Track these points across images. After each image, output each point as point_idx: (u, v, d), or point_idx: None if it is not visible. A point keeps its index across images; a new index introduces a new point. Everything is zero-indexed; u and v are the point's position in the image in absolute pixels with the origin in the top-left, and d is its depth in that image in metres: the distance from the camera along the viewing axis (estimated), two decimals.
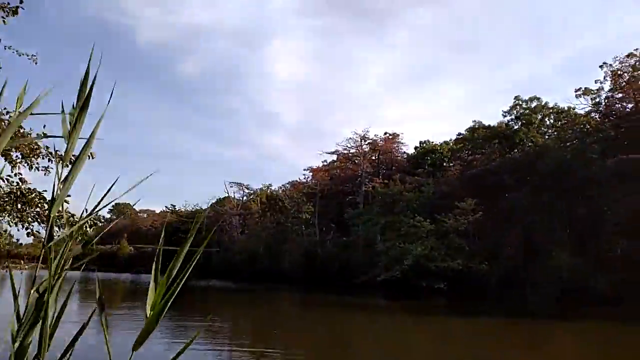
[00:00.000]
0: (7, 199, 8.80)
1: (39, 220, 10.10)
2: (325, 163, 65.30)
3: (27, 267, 14.01)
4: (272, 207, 67.91)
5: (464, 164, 49.63)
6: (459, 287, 37.27)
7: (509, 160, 43.65)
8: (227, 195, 77.47)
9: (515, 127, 46.44)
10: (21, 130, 7.53)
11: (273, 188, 74.58)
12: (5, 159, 8.97)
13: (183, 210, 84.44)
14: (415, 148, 58.98)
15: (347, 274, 46.08)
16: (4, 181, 8.85)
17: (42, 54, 9.57)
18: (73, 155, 1.58)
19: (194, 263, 1.41)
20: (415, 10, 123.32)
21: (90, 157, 7.51)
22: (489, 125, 48.71)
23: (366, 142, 60.16)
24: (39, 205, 9.92)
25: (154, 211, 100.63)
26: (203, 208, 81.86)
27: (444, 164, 54.76)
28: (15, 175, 8.83)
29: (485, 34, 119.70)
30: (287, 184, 72.30)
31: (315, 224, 59.35)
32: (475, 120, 50.40)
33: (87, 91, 1.52)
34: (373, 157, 60.84)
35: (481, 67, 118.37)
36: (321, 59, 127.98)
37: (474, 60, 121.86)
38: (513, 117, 47.08)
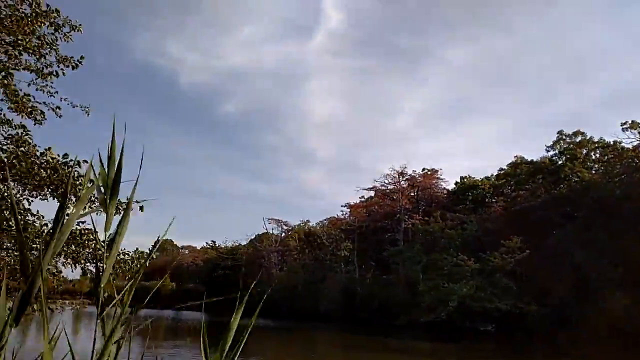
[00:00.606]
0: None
1: (91, 261, 10.42)
2: (362, 199, 65.01)
3: (77, 306, 14.28)
4: (310, 243, 67.73)
5: (508, 200, 48.37)
6: (508, 328, 35.65)
7: (555, 196, 42.24)
8: (265, 231, 77.96)
9: (560, 162, 45.22)
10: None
11: (311, 224, 74.63)
12: (58, 201, 9.39)
13: (223, 246, 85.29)
14: (456, 183, 58.00)
15: (388, 314, 44.92)
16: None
17: (91, 99, 10.11)
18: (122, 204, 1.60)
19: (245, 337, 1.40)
20: (449, 48, 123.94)
21: (141, 211, 7.79)
22: (532, 161, 47.75)
23: (404, 178, 59.64)
24: (92, 246, 10.28)
25: (195, 247, 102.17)
26: (242, 244, 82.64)
27: (486, 200, 53.50)
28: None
29: (522, 69, 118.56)
30: (325, 220, 72.13)
31: (354, 262, 58.59)
32: (517, 156, 49.53)
33: (116, 163, 1.51)
34: (412, 194, 60.10)
35: (519, 101, 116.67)
36: (356, 97, 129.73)
37: (511, 95, 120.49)
38: (557, 151, 46.03)
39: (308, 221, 75.46)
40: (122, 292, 1.57)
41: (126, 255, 10.41)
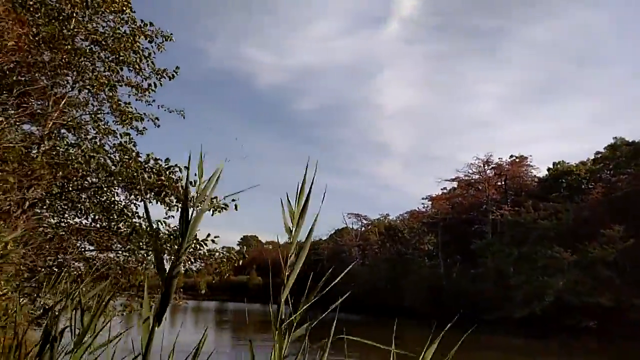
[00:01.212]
0: (166, 240, 9.81)
1: (192, 258, 11.07)
2: (444, 191, 63.11)
3: (181, 301, 15.26)
4: (391, 237, 67.03)
5: (607, 186, 44.60)
6: (611, 325, 33.02)
7: None
8: (345, 226, 78.40)
9: None
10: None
11: (391, 218, 73.86)
12: (161, 204, 10.07)
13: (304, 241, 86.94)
14: (548, 170, 54.22)
15: (476, 309, 43.33)
16: (162, 225, 9.92)
17: (176, 105, 10.74)
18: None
19: None
20: (532, 25, 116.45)
21: (235, 209, 8.20)
22: (633, 142, 43.63)
23: (490, 167, 57.04)
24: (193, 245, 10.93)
25: (278, 242, 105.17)
26: (323, 239, 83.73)
27: (583, 186, 49.63)
28: (170, 217, 9.86)
29: (614, 44, 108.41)
30: (405, 213, 70.93)
31: (438, 255, 57.13)
32: (616, 137, 45.54)
33: (305, 198, 1.67)
34: (499, 183, 57.30)
35: (614, 79, 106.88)
36: (432, 84, 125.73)
37: (604, 73, 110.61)
38: None
39: (388, 215, 74.76)
40: (313, 298, 1.66)
41: (220, 254, 10.89)
